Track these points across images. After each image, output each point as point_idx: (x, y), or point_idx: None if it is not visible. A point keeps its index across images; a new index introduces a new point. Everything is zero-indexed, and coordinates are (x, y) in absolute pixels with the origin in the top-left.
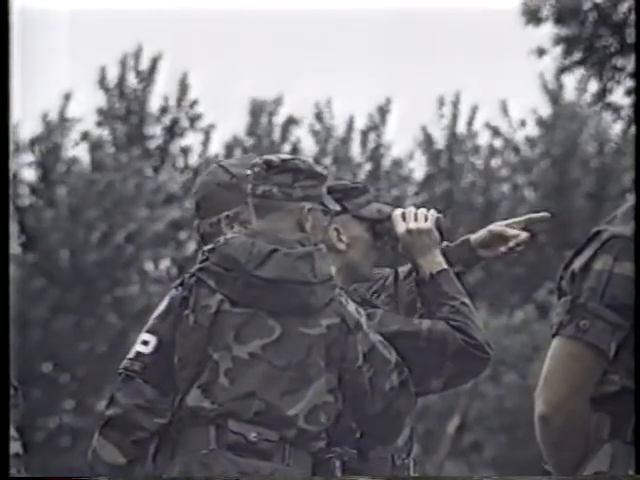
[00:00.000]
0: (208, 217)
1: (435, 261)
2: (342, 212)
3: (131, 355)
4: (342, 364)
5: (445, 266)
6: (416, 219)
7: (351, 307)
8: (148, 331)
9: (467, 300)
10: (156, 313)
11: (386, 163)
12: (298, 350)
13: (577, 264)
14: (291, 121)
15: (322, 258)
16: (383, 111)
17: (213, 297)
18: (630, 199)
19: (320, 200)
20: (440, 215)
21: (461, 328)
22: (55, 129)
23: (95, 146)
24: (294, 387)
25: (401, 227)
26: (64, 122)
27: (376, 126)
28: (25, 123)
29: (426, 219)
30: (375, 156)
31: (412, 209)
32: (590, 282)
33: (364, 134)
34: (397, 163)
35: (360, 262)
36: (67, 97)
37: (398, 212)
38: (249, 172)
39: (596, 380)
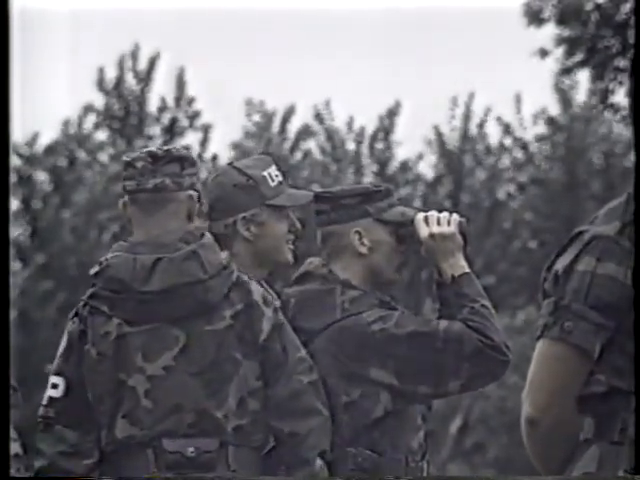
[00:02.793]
0: (223, 218)
1: (458, 264)
2: (364, 216)
3: (45, 401)
4: (257, 342)
5: (467, 270)
6: (439, 223)
7: (255, 287)
8: (55, 373)
9: (487, 303)
10: (59, 351)
11: (393, 165)
12: (208, 350)
13: (560, 265)
14: (302, 129)
15: (209, 250)
16: (392, 113)
17: (110, 323)
18: (615, 200)
19: (196, 187)
20: (463, 219)
21: (478, 329)
22: (72, 137)
23: (97, 148)
24: (216, 388)
25: (424, 231)
26: (81, 130)
27: (384, 128)
28: (26, 124)
29: (449, 223)
30: (382, 158)
31: (435, 213)
32: (573, 283)
33: (373, 136)
34: (404, 165)
35: (383, 266)
36: (88, 109)
37: (420, 216)
38: (128, 169)
39: (581, 381)
